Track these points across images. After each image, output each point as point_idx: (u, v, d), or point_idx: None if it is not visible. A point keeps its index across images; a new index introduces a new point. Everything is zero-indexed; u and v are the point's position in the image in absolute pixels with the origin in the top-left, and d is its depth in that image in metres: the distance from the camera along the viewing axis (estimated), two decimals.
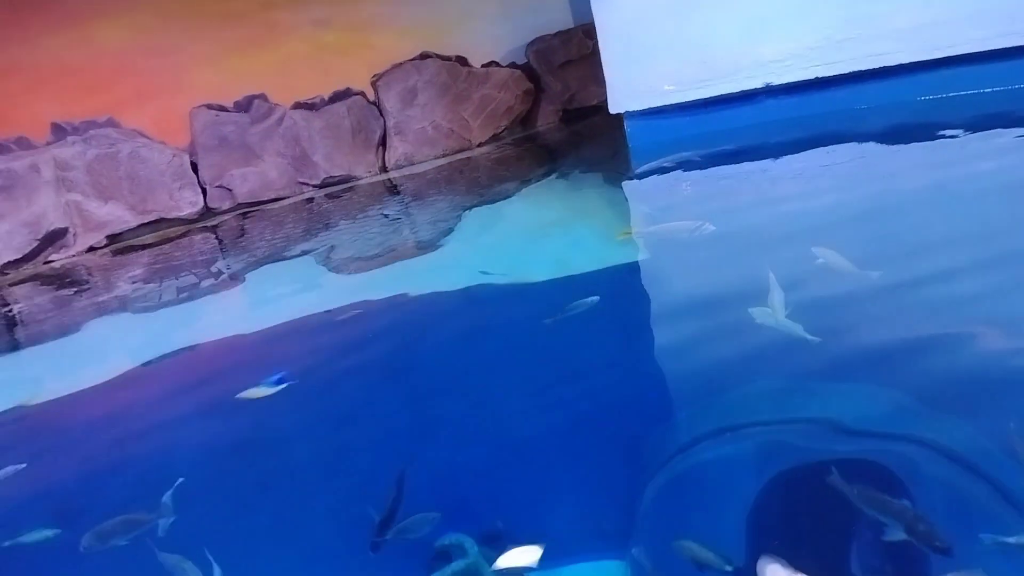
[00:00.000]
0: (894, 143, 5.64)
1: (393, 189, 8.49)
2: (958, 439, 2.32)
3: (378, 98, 9.08)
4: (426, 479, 2.73)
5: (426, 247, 6.02)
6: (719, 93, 6.45)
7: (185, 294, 6.19)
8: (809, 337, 2.76)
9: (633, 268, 4.37)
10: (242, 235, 7.83)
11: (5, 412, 4.39)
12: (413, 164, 9.10)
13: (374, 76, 9.11)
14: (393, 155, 9.07)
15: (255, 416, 3.53)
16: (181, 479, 2.90)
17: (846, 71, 6.15)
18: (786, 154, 5.96)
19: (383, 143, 9.10)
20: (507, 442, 2.89)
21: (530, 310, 4.11)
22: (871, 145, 5.73)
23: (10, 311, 6.95)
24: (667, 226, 4.61)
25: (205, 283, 6.39)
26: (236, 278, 6.39)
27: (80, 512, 3.03)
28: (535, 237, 5.55)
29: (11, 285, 7.55)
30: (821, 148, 5.87)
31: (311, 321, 4.84)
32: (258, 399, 3.51)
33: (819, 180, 5.23)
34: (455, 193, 7.74)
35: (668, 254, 4.42)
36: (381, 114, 9.05)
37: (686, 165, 6.01)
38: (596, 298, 3.61)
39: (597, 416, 2.90)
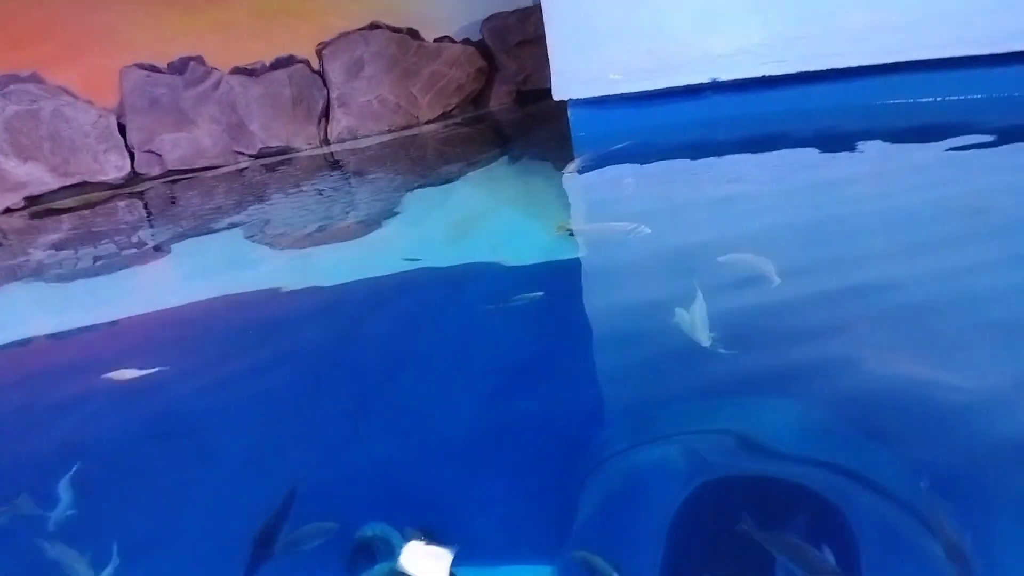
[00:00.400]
0: (836, 150, 5.60)
1: (334, 164, 8.22)
2: (876, 464, 2.25)
3: (322, 68, 8.76)
4: (342, 477, 2.59)
5: (361, 228, 5.81)
6: (666, 86, 6.31)
7: (102, 263, 5.89)
8: (723, 351, 2.68)
9: (568, 265, 4.22)
10: (171, 204, 7.49)
11: None
12: (356, 139, 8.82)
13: (319, 44, 8.78)
14: (335, 128, 8.77)
15: (133, 402, 3.34)
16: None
17: (794, 71, 6.07)
18: (729, 153, 5.88)
19: (326, 115, 8.80)
20: (434, 438, 2.75)
21: (464, 299, 3.97)
22: (812, 151, 5.67)
23: None
24: (603, 225, 4.52)
25: (126, 252, 6.09)
26: (160, 249, 6.11)
27: None
28: (474, 224, 5.38)
29: None
30: (766, 151, 5.80)
31: (229, 301, 4.62)
32: (128, 380, 3.33)
33: (758, 184, 5.15)
34: (397, 172, 7.52)
35: (603, 255, 4.29)
36: (325, 84, 8.73)
37: (627, 158, 5.89)
38: (540, 293, 3.49)
39: (522, 415, 2.78)
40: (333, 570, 2.21)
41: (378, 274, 4.53)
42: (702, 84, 6.28)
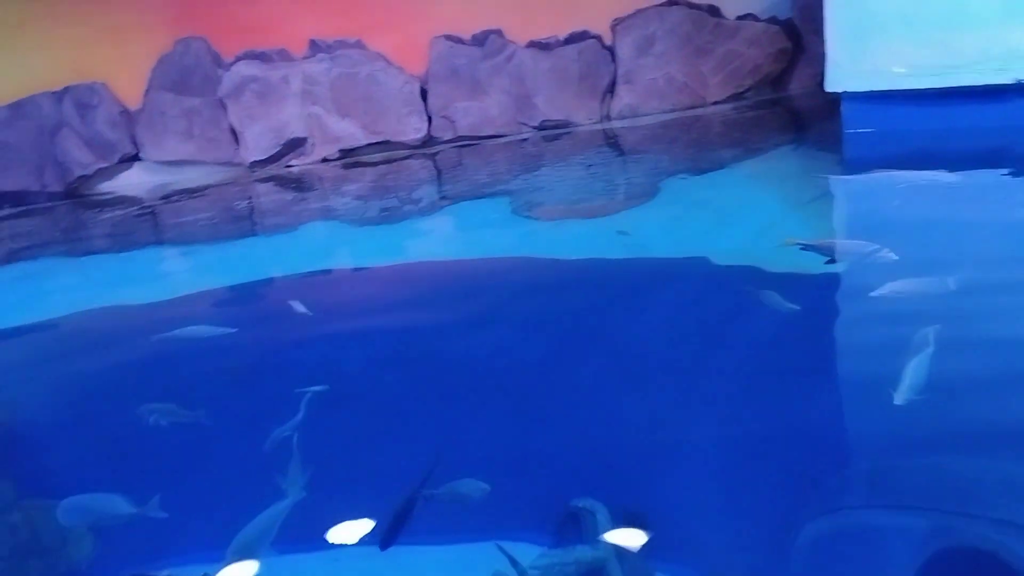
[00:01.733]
0: None
1: (610, 140, 8.26)
2: None
3: (613, 43, 8.78)
4: (536, 449, 2.66)
5: (614, 205, 5.81)
6: (960, 84, 5.40)
7: (385, 214, 6.51)
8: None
9: (777, 280, 3.79)
10: (456, 167, 8.05)
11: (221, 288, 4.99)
12: (637, 116, 8.74)
13: (614, 20, 8.79)
14: (618, 104, 8.77)
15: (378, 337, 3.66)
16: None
17: None
18: None
19: (610, 91, 8.82)
20: (659, 432, 2.69)
21: (671, 294, 3.82)
22: None
23: (250, 203, 7.81)
24: (841, 243, 4.01)
25: (406, 208, 6.67)
26: (433, 208, 6.61)
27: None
28: (719, 215, 5.11)
29: (256, 181, 8.41)
30: None
31: (467, 267, 4.89)
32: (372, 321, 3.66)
33: None
34: (670, 153, 7.37)
35: (828, 278, 3.77)
36: (613, 60, 8.75)
37: (904, 164, 5.16)
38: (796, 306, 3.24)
39: (760, 435, 2.61)
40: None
41: (608, 256, 4.51)
42: (1004, 85, 5.30)
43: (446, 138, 8.68)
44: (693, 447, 2.54)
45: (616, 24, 8.81)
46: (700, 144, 7.63)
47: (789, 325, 3.18)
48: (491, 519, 2.34)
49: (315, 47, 8.66)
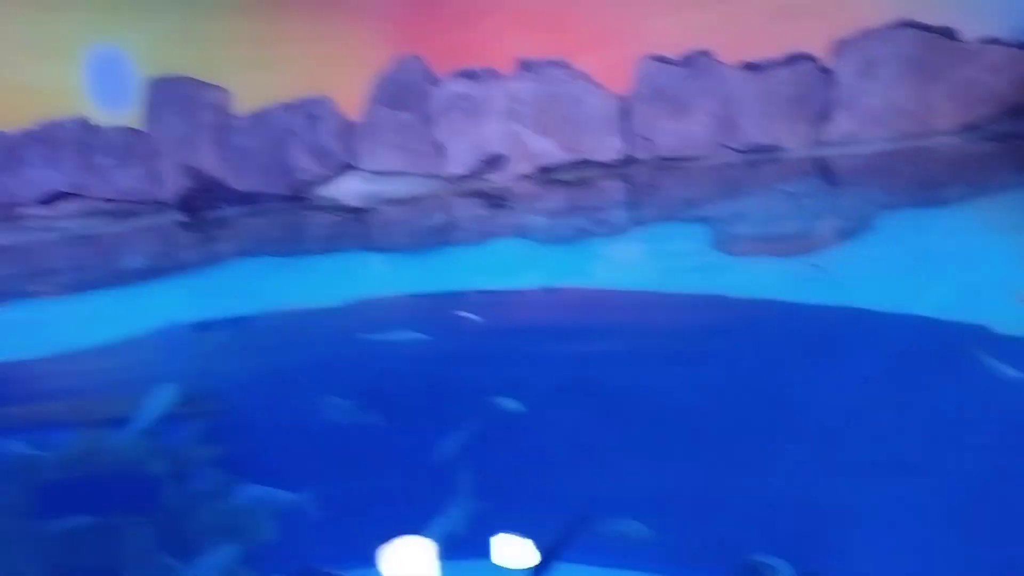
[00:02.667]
0: None
1: (821, 168, 7.76)
2: None
3: (834, 65, 8.24)
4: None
5: (820, 241, 5.43)
6: None
7: (575, 233, 6.52)
8: None
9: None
10: (652, 188, 7.91)
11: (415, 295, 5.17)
12: (854, 144, 8.14)
13: (836, 41, 8.26)
14: (833, 130, 8.21)
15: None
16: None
17: None
18: None
19: (826, 116, 8.28)
20: (853, 494, 2.50)
21: (896, 351, 3.46)
22: None
23: (449, 215, 8.13)
24: None
25: (596, 228, 6.64)
26: (624, 230, 6.53)
27: None
28: (942, 264, 4.59)
29: (456, 194, 8.73)
30: None
31: (653, 300, 4.74)
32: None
33: None
34: (888, 186, 6.81)
35: None
36: (831, 84, 8.21)
37: None
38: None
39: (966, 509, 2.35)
40: None
41: (807, 300, 4.18)
42: None
43: (644, 158, 8.55)
44: (889, 514, 2.31)
45: (837, 46, 8.28)
46: (922, 178, 6.99)
47: (1016, 395, 2.79)
48: (657, 559, 2.24)
49: (522, 66, 8.86)
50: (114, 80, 9.96)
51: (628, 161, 8.59)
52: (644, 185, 8.01)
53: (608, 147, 8.49)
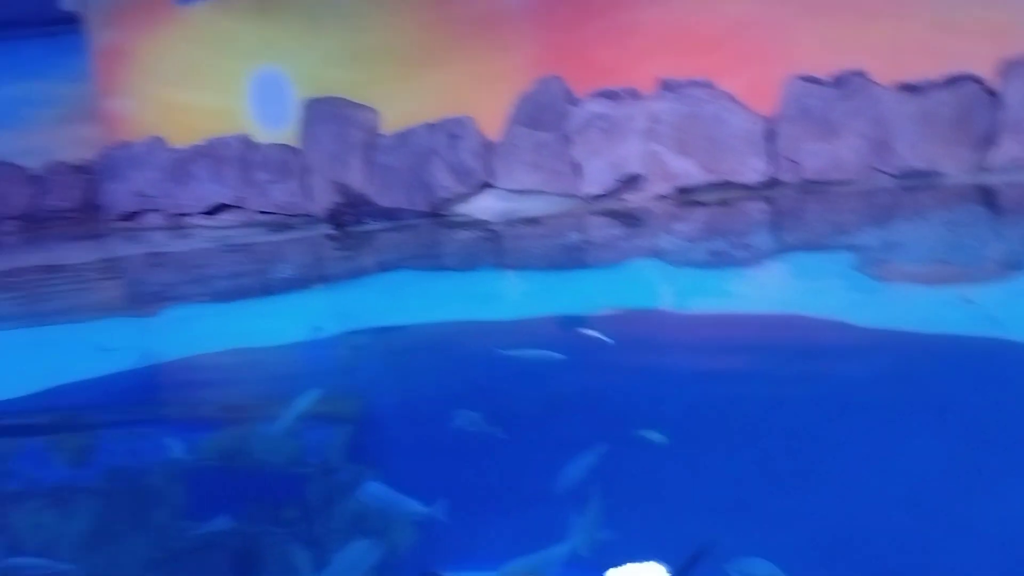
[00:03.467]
0: None
1: (984, 195, 7.26)
2: None
3: (1000, 87, 7.70)
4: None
5: (980, 274, 5.07)
6: None
7: (714, 257, 6.38)
8: None
9: None
10: (797, 213, 7.65)
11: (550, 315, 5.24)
12: (1021, 171, 7.57)
13: (1003, 61, 7.72)
14: (1000, 156, 7.66)
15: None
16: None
17: None
18: None
19: (991, 140, 7.74)
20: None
21: None
22: None
23: (584, 235, 8.16)
24: None
25: (736, 252, 6.48)
26: (765, 256, 6.34)
27: None
28: None
29: (592, 213, 8.76)
30: None
31: (795, 324, 4.56)
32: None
33: None
34: None
35: None
36: (996, 107, 7.67)
37: None
38: None
39: None
40: None
41: (957, 332, 3.91)
42: None
43: (790, 181, 8.28)
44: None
45: (1005, 66, 7.74)
46: None
47: None
48: None
49: (663, 86, 8.79)
50: (274, 101, 10.66)
51: (772, 183, 8.34)
52: (789, 209, 7.75)
53: (751, 169, 8.27)
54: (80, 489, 3.39)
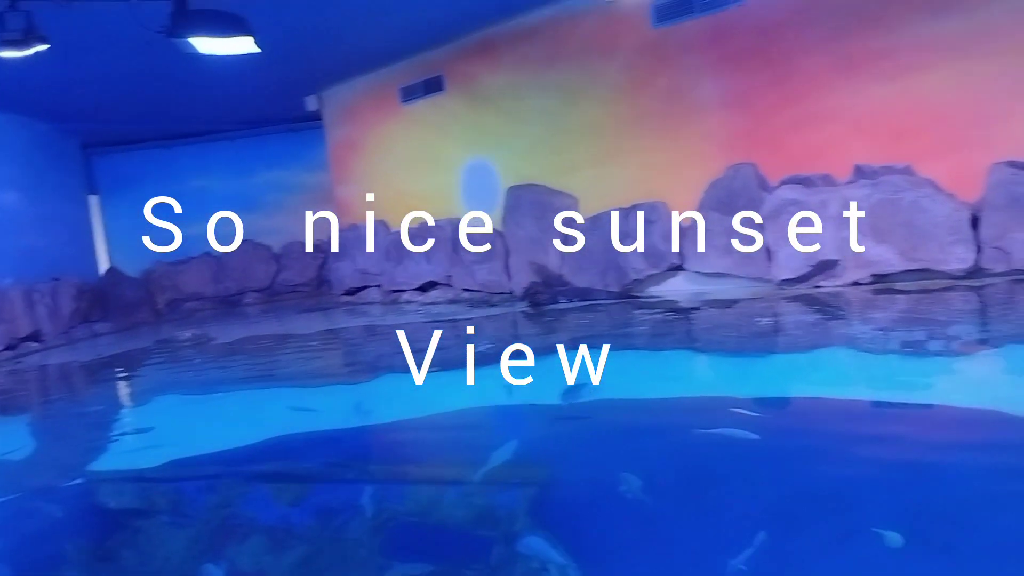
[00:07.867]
0: None
1: None
2: None
3: None
4: None
5: None
6: None
7: (911, 348, 6.27)
8: None
9: None
10: (1007, 304, 7.32)
11: (740, 397, 5.46)
12: None
13: None
14: None
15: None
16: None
17: None
18: None
19: None
20: None
21: None
22: None
23: (775, 320, 8.23)
24: None
25: (936, 344, 6.33)
26: (970, 349, 6.14)
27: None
28: None
29: (783, 299, 8.82)
30: None
31: (1001, 421, 4.47)
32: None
33: None
34: None
35: None
36: None
37: None
38: None
39: None
40: None
41: None
42: None
43: (998, 271, 7.94)
44: None
45: None
46: None
47: None
48: None
49: (859, 172, 8.80)
50: (483, 188, 11.72)
51: (977, 272, 8.05)
52: (998, 300, 7.43)
53: (954, 257, 8.04)
54: (293, 529, 4.01)
